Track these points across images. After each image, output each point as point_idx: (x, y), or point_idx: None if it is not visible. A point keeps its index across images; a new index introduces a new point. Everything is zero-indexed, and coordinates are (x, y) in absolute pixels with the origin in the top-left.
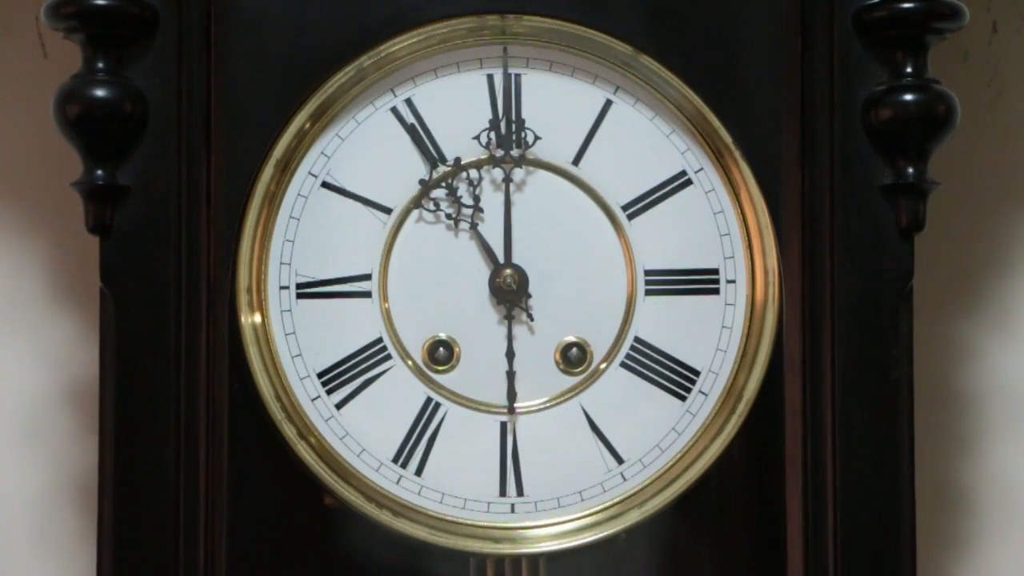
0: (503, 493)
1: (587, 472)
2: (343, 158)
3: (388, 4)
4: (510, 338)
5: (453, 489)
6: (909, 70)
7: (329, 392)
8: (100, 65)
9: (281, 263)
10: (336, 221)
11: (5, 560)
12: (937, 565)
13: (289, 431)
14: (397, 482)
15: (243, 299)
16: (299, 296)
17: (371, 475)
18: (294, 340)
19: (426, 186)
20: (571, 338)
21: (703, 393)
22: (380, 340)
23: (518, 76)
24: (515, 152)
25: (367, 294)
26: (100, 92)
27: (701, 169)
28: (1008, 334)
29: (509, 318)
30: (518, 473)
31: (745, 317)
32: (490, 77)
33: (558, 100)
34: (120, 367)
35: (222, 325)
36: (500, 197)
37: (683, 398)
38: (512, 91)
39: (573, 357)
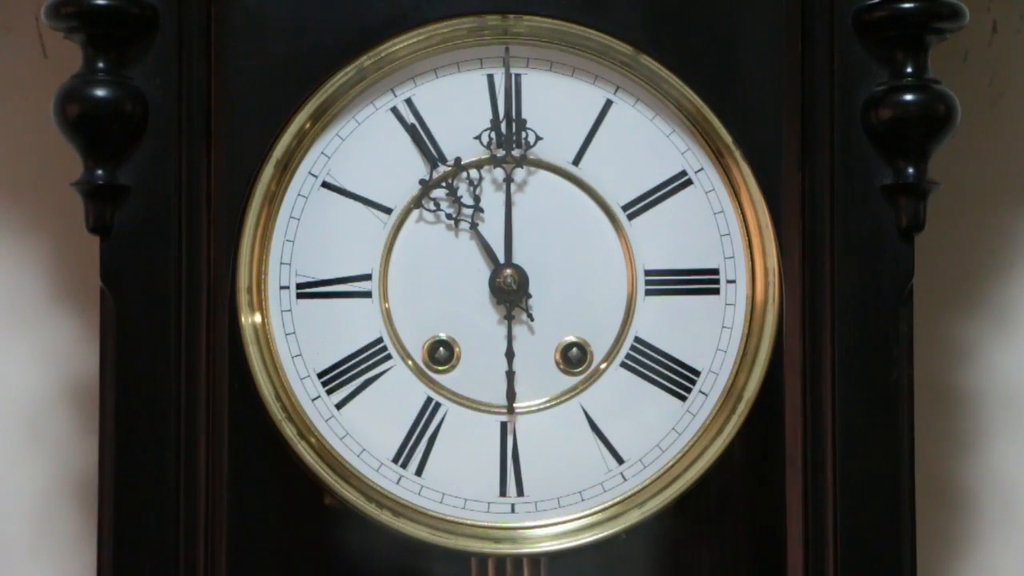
0: (503, 493)
1: (587, 472)
2: (343, 158)
3: (388, 4)
4: (510, 338)
5: (453, 489)
6: (909, 70)
7: (329, 392)
8: (100, 65)
9: (281, 263)
10: (336, 221)
11: (5, 560)
12: (937, 565)
13: (289, 431)
14: (397, 482)
15: (243, 299)
16: (299, 296)
17: (371, 475)
18: (294, 340)
19: (426, 186)
20: (571, 338)
21: (703, 393)
22: (380, 340)
23: (518, 76)
24: (516, 152)
25: (367, 294)
26: (100, 92)
27: (701, 169)
28: (1008, 334)
29: (509, 318)
30: (518, 473)
31: (745, 317)
32: (490, 77)
33: (558, 100)
34: (120, 367)
35: (222, 325)
36: (500, 197)
37: (683, 398)
38: (512, 91)
39: (573, 357)
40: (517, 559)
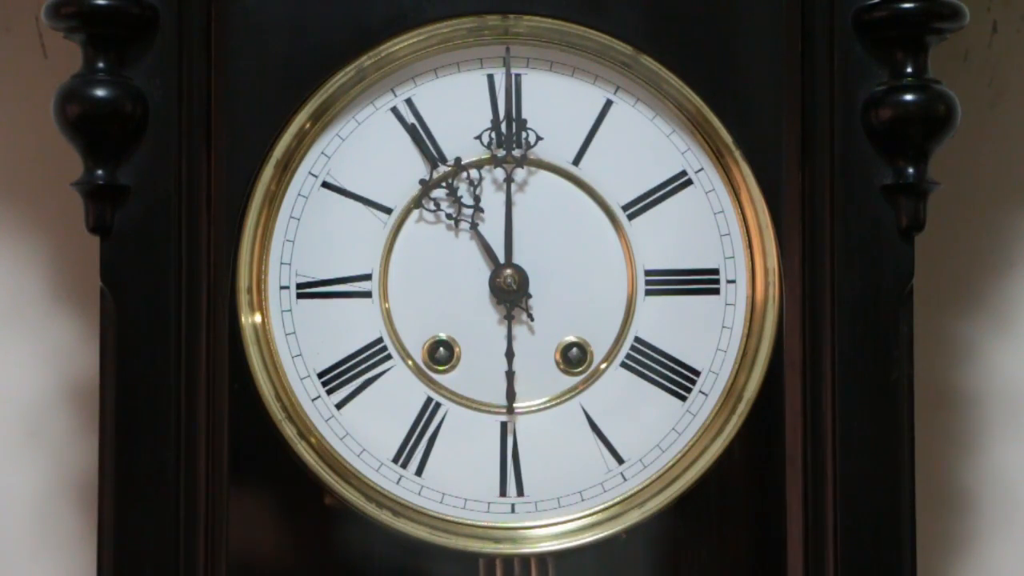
0: (503, 493)
1: (587, 472)
2: (343, 158)
3: (388, 4)
4: (510, 338)
5: (453, 489)
6: (909, 70)
7: (329, 392)
8: (100, 65)
9: (281, 263)
10: (336, 221)
11: (5, 560)
12: (937, 565)
13: (289, 431)
14: (397, 482)
15: (243, 299)
16: (299, 296)
17: (371, 475)
18: (294, 340)
19: (426, 186)
20: (571, 338)
21: (703, 393)
22: (380, 340)
23: (518, 76)
24: (516, 152)
25: (367, 294)
26: (100, 92)
27: (701, 169)
28: (1008, 334)
29: (509, 318)
30: (518, 473)
31: (745, 317)
32: (490, 77)
33: (558, 100)
34: (120, 367)
35: (222, 325)
36: (501, 197)
37: (683, 398)
38: (513, 91)
39: (573, 357)
40: (517, 559)
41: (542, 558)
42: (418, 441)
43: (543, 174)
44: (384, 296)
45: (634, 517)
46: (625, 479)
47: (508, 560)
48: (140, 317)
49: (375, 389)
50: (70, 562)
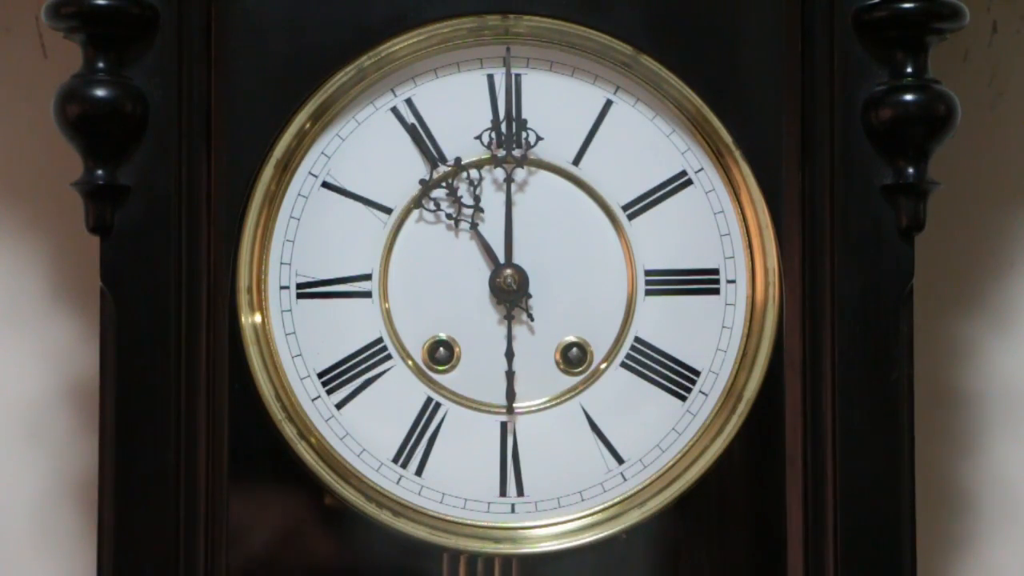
0: (503, 493)
1: (587, 472)
2: (343, 158)
3: (388, 4)
4: (510, 338)
5: (453, 489)
6: (909, 70)
7: (329, 392)
8: (100, 65)
9: (281, 263)
10: (336, 221)
11: (5, 560)
12: (937, 565)
13: (289, 431)
14: (397, 482)
15: (243, 299)
16: (299, 296)
17: (371, 475)
18: (294, 340)
19: (426, 186)
20: (571, 338)
21: (703, 393)
22: (380, 340)
23: (518, 76)
24: (516, 152)
25: (367, 294)
26: (100, 92)
27: (701, 169)
28: (1008, 334)
29: (509, 318)
30: (518, 473)
31: (745, 317)
32: (490, 77)
33: (558, 100)
34: (120, 367)
35: (222, 325)
36: (501, 197)
37: (683, 398)
38: (513, 91)
39: (573, 357)
40: (517, 559)
41: (542, 558)
42: (418, 441)
43: (543, 174)
44: (384, 296)
45: (634, 517)
46: (625, 479)
47: (508, 560)
48: (140, 317)
49: (375, 389)
50: (70, 562)
